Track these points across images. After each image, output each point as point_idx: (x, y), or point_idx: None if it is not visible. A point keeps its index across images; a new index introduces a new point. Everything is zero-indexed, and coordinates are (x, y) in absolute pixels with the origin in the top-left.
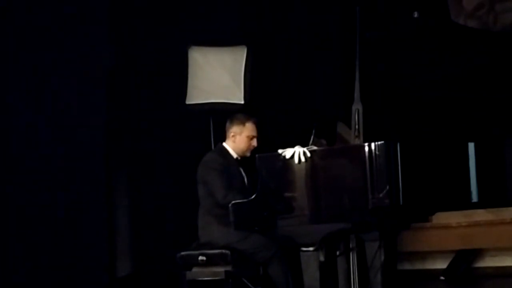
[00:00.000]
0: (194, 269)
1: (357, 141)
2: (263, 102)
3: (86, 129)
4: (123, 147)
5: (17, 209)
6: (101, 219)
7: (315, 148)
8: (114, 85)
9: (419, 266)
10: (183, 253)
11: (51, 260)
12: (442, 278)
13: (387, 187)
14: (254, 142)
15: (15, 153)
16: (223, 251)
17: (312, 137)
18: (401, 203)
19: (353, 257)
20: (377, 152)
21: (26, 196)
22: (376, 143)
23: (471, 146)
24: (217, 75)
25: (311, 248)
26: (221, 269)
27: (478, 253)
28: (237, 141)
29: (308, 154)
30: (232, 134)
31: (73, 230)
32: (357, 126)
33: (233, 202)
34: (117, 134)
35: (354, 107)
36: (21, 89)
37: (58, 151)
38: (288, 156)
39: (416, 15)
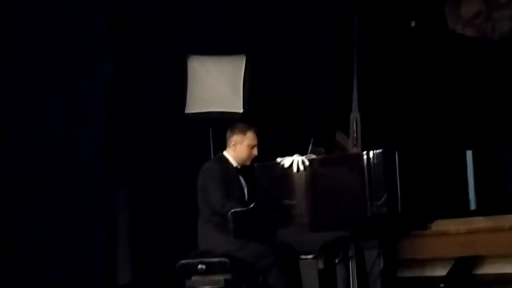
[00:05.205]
0: (194, 278)
1: (355, 150)
2: (262, 111)
3: (85, 139)
4: (122, 156)
5: (17, 219)
6: (102, 227)
7: (313, 156)
8: (113, 94)
9: (419, 273)
10: (182, 261)
11: (51, 269)
12: (442, 285)
13: (386, 195)
14: (255, 151)
15: (13, 164)
16: (223, 259)
17: (310, 145)
18: (399, 211)
19: (352, 265)
20: (375, 161)
21: (26, 206)
22: (374, 151)
23: (469, 154)
24: (216, 84)
25: (310, 256)
26: (220, 278)
27: (477, 260)
28: (238, 150)
29: (307, 163)
30: (233, 143)
31: (74, 239)
32: (355, 135)
33: (232, 210)
34: (117, 144)
35: (352, 116)
36: (19, 99)
37: (57, 161)
38: (286, 165)
39: (413, 24)
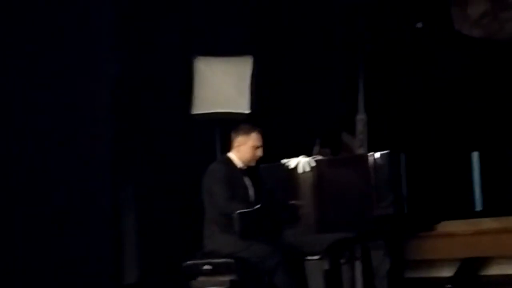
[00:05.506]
0: (200, 278)
1: (361, 151)
2: (268, 111)
3: (92, 139)
4: (129, 156)
5: (23, 218)
6: (108, 227)
7: (319, 157)
8: (119, 95)
9: (425, 274)
10: (188, 262)
11: (57, 268)
12: (449, 286)
13: (392, 196)
14: (259, 152)
15: (19, 163)
16: (228, 260)
17: (314, 147)
18: (405, 211)
19: (358, 266)
20: (381, 162)
21: (33, 205)
22: (380, 152)
23: (475, 155)
24: (222, 85)
25: (316, 257)
26: (226, 278)
27: (484, 261)
28: (242, 151)
29: (313, 164)
30: (237, 144)
31: (80, 238)
32: (361, 136)
33: (238, 211)
34: (123, 144)
35: (358, 117)
36: (25, 99)
37: (63, 161)
38: (292, 166)
39: (419, 25)
